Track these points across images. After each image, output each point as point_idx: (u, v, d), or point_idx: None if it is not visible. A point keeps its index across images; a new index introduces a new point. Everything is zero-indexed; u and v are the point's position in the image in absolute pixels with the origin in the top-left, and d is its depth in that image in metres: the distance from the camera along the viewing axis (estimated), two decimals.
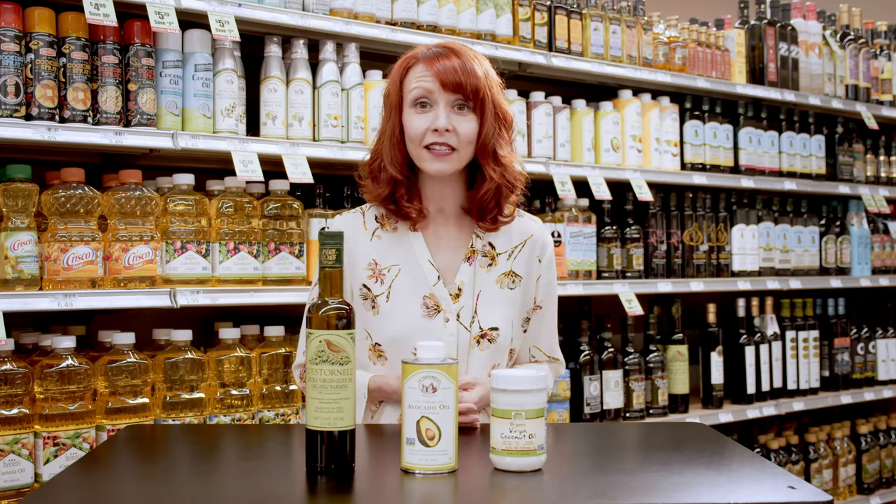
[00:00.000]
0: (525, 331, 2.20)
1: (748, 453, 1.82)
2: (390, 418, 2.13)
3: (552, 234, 3.42)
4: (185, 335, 2.64)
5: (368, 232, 2.17)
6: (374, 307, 2.13)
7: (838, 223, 4.55)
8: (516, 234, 2.21)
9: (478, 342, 2.12)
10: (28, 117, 2.51)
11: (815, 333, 4.39)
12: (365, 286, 2.14)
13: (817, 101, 4.34)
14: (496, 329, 2.12)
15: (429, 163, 2.08)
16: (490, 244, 2.18)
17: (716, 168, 4.03)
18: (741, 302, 4.12)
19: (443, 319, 2.10)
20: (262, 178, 2.77)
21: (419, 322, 2.09)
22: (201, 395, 2.65)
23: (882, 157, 4.76)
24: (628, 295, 3.59)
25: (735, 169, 4.11)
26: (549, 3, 3.53)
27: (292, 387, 2.81)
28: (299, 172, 2.83)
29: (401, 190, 2.13)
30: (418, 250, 2.14)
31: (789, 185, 4.24)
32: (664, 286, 3.79)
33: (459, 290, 2.13)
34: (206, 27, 2.73)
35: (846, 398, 4.43)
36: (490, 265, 2.17)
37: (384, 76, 3.11)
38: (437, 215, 2.17)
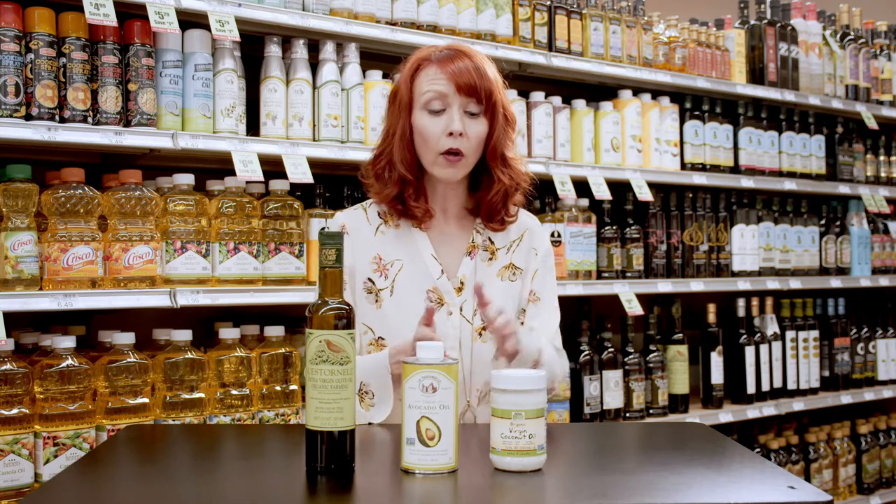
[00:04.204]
0: (522, 322, 2.22)
1: (748, 453, 1.82)
2: (383, 414, 2.12)
3: (552, 234, 3.44)
4: (185, 335, 2.64)
5: (372, 227, 2.20)
6: (377, 301, 2.15)
7: (838, 223, 4.54)
8: (514, 230, 2.25)
9: (480, 334, 2.14)
10: (28, 117, 2.51)
11: (815, 333, 4.38)
12: (370, 279, 2.16)
13: (817, 101, 4.34)
14: None
15: (442, 168, 2.10)
16: (489, 239, 2.22)
17: (716, 168, 4.03)
18: (741, 302, 4.11)
19: (446, 312, 2.13)
20: (262, 178, 2.77)
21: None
22: (201, 395, 2.65)
23: (882, 157, 4.75)
24: (628, 295, 3.59)
25: (735, 169, 4.11)
26: (549, 3, 3.53)
27: (292, 387, 2.81)
28: (299, 172, 2.83)
29: (409, 190, 2.15)
30: (421, 245, 2.17)
31: (789, 185, 4.24)
32: (664, 286, 3.79)
33: (462, 283, 2.16)
34: (206, 27, 2.73)
35: (846, 398, 4.42)
36: (490, 259, 2.21)
37: (384, 76, 3.12)
38: (439, 214, 2.20)
